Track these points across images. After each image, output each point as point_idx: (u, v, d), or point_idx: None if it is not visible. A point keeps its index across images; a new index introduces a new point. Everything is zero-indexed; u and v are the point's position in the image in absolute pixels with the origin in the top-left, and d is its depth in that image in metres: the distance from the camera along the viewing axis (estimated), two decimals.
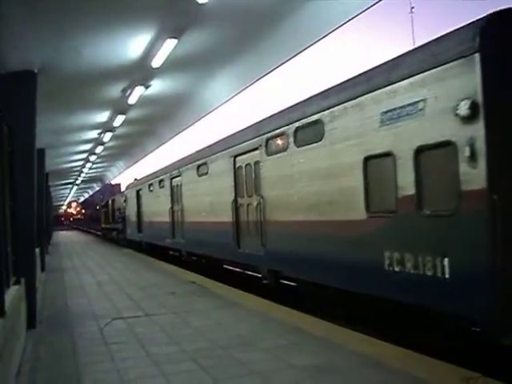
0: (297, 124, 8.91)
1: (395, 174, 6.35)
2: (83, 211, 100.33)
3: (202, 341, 7.20)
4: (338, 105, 7.63)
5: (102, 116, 17.00)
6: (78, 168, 32.29)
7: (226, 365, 6.01)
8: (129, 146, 26.68)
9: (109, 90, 13.64)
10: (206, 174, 14.30)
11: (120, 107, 15.49)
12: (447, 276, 5.50)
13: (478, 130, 5.17)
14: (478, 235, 5.17)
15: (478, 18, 5.48)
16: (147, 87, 13.21)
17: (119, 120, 17.29)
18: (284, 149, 9.40)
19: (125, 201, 30.17)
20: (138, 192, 25.67)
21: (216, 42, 10.71)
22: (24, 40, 8.68)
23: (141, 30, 9.45)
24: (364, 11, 9.47)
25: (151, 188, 22.30)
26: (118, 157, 31.04)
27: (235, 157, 12.01)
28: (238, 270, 15.46)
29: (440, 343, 6.31)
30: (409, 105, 6.11)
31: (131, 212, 27.54)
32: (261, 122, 11.06)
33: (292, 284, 10.33)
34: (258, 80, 13.73)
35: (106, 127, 18.78)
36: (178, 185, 17.67)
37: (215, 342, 7.03)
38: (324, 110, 8.00)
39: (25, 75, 9.31)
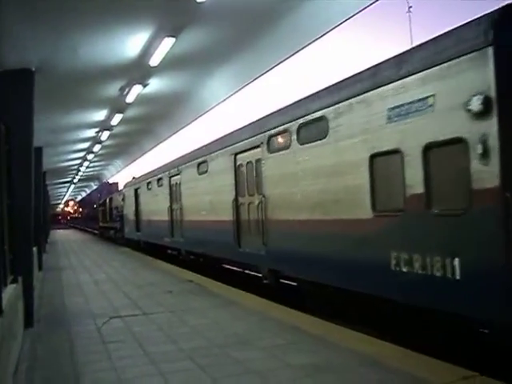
0: (300, 121, 8.76)
1: (403, 171, 6.20)
2: (80, 210, 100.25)
3: (199, 339, 7.19)
4: (343, 101, 7.48)
5: (100, 114, 16.99)
6: (76, 167, 32.26)
7: (223, 363, 6.01)
8: (126, 145, 26.66)
9: (106, 89, 13.63)
10: (206, 172, 14.17)
11: (118, 106, 15.48)
12: (458, 277, 5.38)
13: (491, 126, 5.04)
14: (490, 234, 5.05)
15: (491, 10, 5.33)
16: (145, 86, 13.20)
17: (117, 119, 17.28)
18: (287, 146, 9.24)
19: (123, 199, 30.02)
20: (136, 190, 25.54)
21: (214, 40, 10.70)
22: (22, 39, 8.67)
23: (138, 28, 9.44)
24: (362, 10, 9.49)
25: (150, 186, 22.16)
26: (116, 155, 31.01)
27: (236, 155, 11.86)
28: (237, 269, 15.39)
29: (438, 342, 6.31)
30: (418, 100, 5.96)
31: (129, 211, 27.40)
32: (262, 119, 10.90)
33: (292, 284, 10.23)
34: (256, 79, 13.72)
35: (104, 126, 18.77)
36: (177, 183, 17.56)
37: (212, 341, 7.03)
38: (328, 107, 7.84)
39: (22, 74, 9.30)
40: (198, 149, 15.75)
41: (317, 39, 10.81)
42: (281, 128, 9.52)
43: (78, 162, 29.74)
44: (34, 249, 12.12)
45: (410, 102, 6.08)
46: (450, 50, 5.59)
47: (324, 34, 10.57)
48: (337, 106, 7.62)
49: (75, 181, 43.83)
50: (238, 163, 11.83)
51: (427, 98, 5.82)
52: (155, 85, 13.42)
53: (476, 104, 5.14)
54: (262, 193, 10.37)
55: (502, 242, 4.94)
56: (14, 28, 8.16)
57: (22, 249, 8.58)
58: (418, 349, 6.06)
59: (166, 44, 9.87)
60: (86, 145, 23.51)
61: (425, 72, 5.88)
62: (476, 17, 5.51)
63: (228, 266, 15.79)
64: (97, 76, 12.18)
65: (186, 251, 17.00)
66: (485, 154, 5.07)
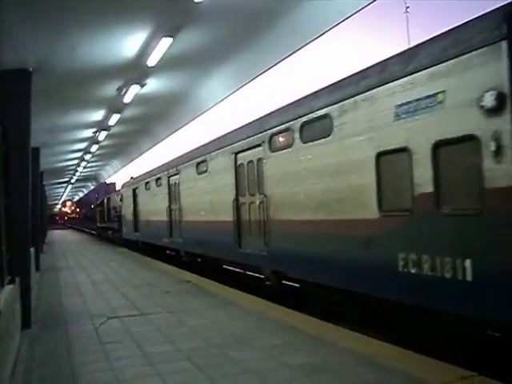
0: (303, 119, 8.59)
1: (411, 170, 6.04)
2: (78, 210, 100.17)
3: (197, 340, 7.19)
4: (348, 98, 7.32)
5: (97, 115, 16.96)
6: (73, 167, 32.20)
7: (221, 364, 6.01)
8: (124, 145, 26.61)
9: (104, 89, 13.60)
10: (206, 171, 14.01)
11: (115, 106, 15.45)
12: (469, 278, 5.22)
13: (505, 122, 4.88)
14: (504, 235, 4.90)
15: (505, 3, 5.17)
16: (142, 86, 13.18)
17: (114, 119, 17.24)
18: (289, 145, 9.08)
19: (121, 199, 29.93)
20: (134, 190, 25.41)
21: (212, 40, 10.69)
22: (21, 39, 8.66)
23: (136, 28, 9.43)
24: (359, 10, 9.50)
25: (148, 186, 22.00)
26: (113, 155, 30.96)
27: (236, 154, 11.68)
28: (238, 270, 15.27)
29: (437, 342, 6.30)
30: (427, 97, 5.79)
31: (127, 211, 27.29)
32: (264, 117, 10.72)
33: (295, 285, 10.05)
34: (253, 79, 13.72)
35: (101, 126, 18.73)
36: (175, 183, 17.41)
37: (210, 341, 7.02)
38: (333, 104, 7.68)
39: (19, 74, 9.27)
40: (198, 148, 15.58)
41: (315, 39, 10.82)
42: (283, 126, 9.34)
43: (76, 162, 29.68)
44: (32, 249, 12.08)
45: (419, 99, 5.92)
46: (461, 45, 5.43)
47: (322, 34, 10.57)
48: (342, 103, 7.46)
49: (73, 181, 43.75)
50: (238, 162, 11.67)
51: (437, 94, 5.66)
52: (153, 85, 13.40)
53: (489, 100, 5.00)
54: (263, 192, 10.20)
55: None
56: (14, 28, 8.15)
57: (20, 249, 8.56)
58: (417, 349, 6.05)
59: (164, 44, 9.85)
60: (83, 145, 23.47)
61: (434, 68, 5.72)
62: (488, 10, 5.35)
63: (229, 268, 15.66)
64: (94, 76, 12.17)
65: (186, 252, 16.84)
66: (498, 152, 4.91)
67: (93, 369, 6.13)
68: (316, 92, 8.64)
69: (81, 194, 77.47)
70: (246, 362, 5.99)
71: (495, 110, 4.96)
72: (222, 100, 16.09)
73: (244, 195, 11.47)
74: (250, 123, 11.54)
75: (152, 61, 10.84)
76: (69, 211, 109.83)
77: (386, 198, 6.60)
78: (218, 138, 13.73)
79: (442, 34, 5.99)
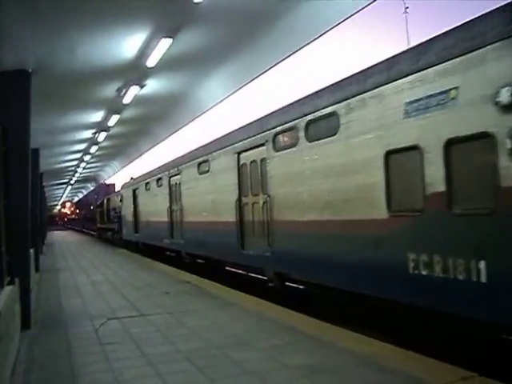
0: (308, 117, 8.43)
1: (422, 169, 5.88)
2: (77, 211, 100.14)
3: (196, 341, 7.18)
4: (355, 95, 7.16)
5: (97, 116, 16.96)
6: (73, 168, 32.19)
7: (221, 364, 6.00)
8: (123, 146, 26.61)
9: (103, 90, 13.60)
10: (208, 171, 13.83)
11: (114, 107, 15.45)
12: (483, 280, 5.06)
13: None
14: None
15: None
16: (142, 87, 13.18)
17: (114, 120, 17.24)
18: (294, 144, 8.92)
19: (121, 200, 29.83)
20: (134, 191, 25.29)
21: (211, 41, 10.69)
22: (21, 39, 8.66)
23: (136, 29, 9.43)
24: (359, 11, 9.49)
25: (148, 187, 21.85)
26: (113, 156, 30.96)
27: (239, 153, 11.53)
28: (241, 272, 15.16)
29: (437, 343, 6.29)
30: (439, 93, 5.63)
31: (127, 212, 27.17)
32: (268, 115, 10.55)
33: (300, 287, 9.92)
34: (253, 79, 13.72)
35: (101, 127, 18.73)
36: (177, 183, 17.26)
37: (210, 342, 7.02)
38: (339, 102, 7.53)
39: (19, 75, 9.28)
40: (199, 148, 15.41)
41: (314, 39, 10.81)
42: (287, 125, 9.19)
43: (75, 163, 29.68)
44: (31, 250, 12.09)
45: (430, 96, 5.76)
46: (475, 39, 5.28)
47: (322, 35, 10.56)
48: (349, 100, 7.30)
49: (72, 182, 43.75)
50: (241, 162, 11.50)
51: (450, 90, 5.50)
52: (152, 86, 13.40)
53: (505, 96, 4.85)
54: (267, 192, 10.03)
55: None
56: (14, 28, 8.15)
57: (19, 250, 8.55)
58: (417, 349, 6.04)
59: (163, 45, 9.85)
60: (82, 146, 23.46)
61: (447, 63, 5.57)
62: (504, 3, 5.20)
63: (230, 269, 15.56)
64: (94, 77, 12.16)
65: (187, 253, 16.68)
66: None
67: (92, 370, 6.12)
68: (322, 89, 8.46)
69: (80, 195, 77.46)
70: (246, 363, 5.98)
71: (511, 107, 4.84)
72: (222, 101, 16.09)
73: (247, 195, 11.32)
74: (253, 122, 11.37)
75: (151, 61, 10.84)
76: (68, 212, 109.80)
77: (396, 198, 6.46)
78: (220, 138, 13.57)
79: (454, 28, 5.82)
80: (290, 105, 9.66)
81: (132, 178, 27.98)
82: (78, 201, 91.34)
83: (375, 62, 7.20)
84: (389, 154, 6.51)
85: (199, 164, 14.61)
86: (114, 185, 70.81)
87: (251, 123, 11.54)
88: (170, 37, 9.54)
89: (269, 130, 9.98)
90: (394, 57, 6.82)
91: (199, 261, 16.32)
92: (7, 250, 7.46)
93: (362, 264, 7.01)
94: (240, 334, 7.37)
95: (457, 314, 5.59)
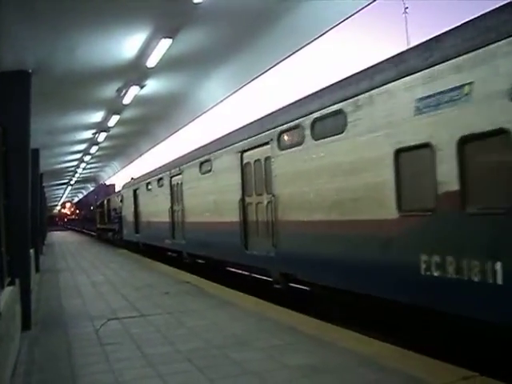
0: (314, 115, 8.25)
1: (434, 167, 5.69)
2: (78, 211, 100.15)
3: (196, 341, 7.18)
4: (363, 93, 6.99)
5: (97, 116, 16.96)
6: (73, 168, 32.20)
7: (221, 365, 6.00)
8: (123, 146, 26.62)
9: (103, 90, 13.60)
10: (210, 171, 13.66)
11: (114, 107, 15.45)
12: (500, 282, 4.90)
13: None
14: None
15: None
16: (142, 87, 13.18)
17: (114, 120, 17.24)
18: (299, 143, 8.73)
19: (121, 200, 29.77)
20: (135, 191, 25.19)
21: (211, 41, 10.69)
22: (21, 39, 8.66)
23: (136, 29, 9.43)
24: (359, 11, 9.50)
25: (149, 187, 21.73)
26: (113, 157, 30.98)
27: (243, 152, 11.33)
28: (244, 272, 14.99)
29: (438, 342, 6.28)
30: (451, 89, 5.44)
31: (128, 212, 27.06)
32: (272, 113, 10.37)
33: (305, 288, 9.67)
34: (253, 80, 13.72)
35: (101, 127, 18.73)
36: (178, 183, 17.11)
37: (210, 342, 7.02)
38: (347, 99, 7.36)
39: (19, 75, 9.28)
40: (201, 147, 15.25)
41: (314, 39, 10.81)
42: (293, 123, 9.01)
43: (75, 163, 29.69)
44: (31, 251, 12.08)
45: (442, 92, 5.58)
46: (490, 33, 5.09)
47: (322, 34, 10.57)
48: (356, 98, 7.13)
49: (72, 182, 43.75)
50: (244, 161, 11.31)
51: (463, 86, 5.31)
52: (152, 86, 13.40)
53: None
54: (271, 192, 9.87)
55: None
56: (13, 28, 8.15)
57: (19, 251, 8.55)
58: (418, 349, 6.03)
59: (163, 45, 9.85)
60: (82, 146, 23.47)
61: (460, 58, 5.38)
62: None
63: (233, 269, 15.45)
64: (94, 77, 12.17)
65: (188, 253, 16.54)
66: None
67: (93, 370, 6.12)
68: (328, 86, 8.32)
69: (80, 196, 77.50)
70: (246, 363, 5.98)
71: None
72: (222, 101, 16.09)
73: (251, 195, 11.17)
74: (257, 120, 11.22)
75: (151, 62, 10.84)
76: (68, 213, 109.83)
77: (406, 197, 6.28)
78: (223, 137, 13.43)
79: (467, 22, 5.66)
80: (295, 102, 9.51)
81: (133, 178, 27.94)
82: (78, 201, 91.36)
83: (383, 59, 7.05)
84: (399, 152, 6.35)
85: (201, 163, 14.46)
86: (113, 185, 70.82)
87: (255, 121, 11.36)
88: (170, 37, 9.54)
89: (273, 128, 9.80)
90: (404, 52, 6.67)
91: (199, 261, 16.29)
92: (7, 251, 7.45)
93: (372, 265, 6.84)
94: (240, 334, 7.37)
95: (471, 316, 5.43)
